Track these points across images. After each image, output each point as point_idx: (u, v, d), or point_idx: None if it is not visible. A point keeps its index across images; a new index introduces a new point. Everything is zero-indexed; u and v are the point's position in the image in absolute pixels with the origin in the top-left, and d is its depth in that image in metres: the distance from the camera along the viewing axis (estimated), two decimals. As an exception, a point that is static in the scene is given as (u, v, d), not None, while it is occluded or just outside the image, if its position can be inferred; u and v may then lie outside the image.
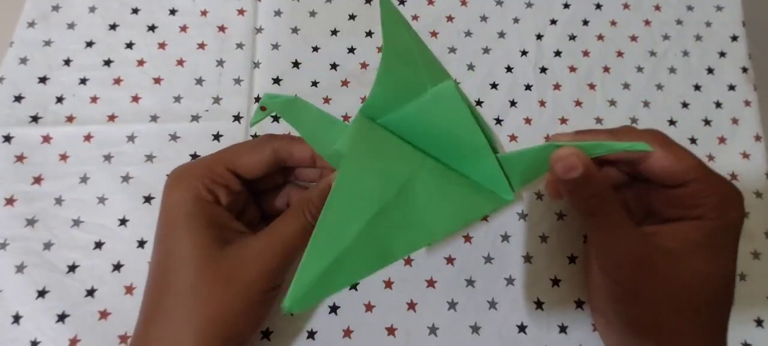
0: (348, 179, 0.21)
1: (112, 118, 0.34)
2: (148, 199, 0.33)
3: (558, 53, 0.39)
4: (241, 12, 0.38)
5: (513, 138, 0.37)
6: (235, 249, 0.26)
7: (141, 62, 0.36)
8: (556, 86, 0.38)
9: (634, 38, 0.41)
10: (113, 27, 0.37)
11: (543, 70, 0.39)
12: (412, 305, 0.32)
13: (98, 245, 0.32)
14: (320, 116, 0.27)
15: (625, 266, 0.26)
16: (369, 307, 0.32)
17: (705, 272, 0.26)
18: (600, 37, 0.40)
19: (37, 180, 0.33)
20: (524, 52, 0.39)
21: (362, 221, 0.20)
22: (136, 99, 0.35)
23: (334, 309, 0.32)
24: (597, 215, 0.26)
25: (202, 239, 0.26)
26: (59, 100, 0.35)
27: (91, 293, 0.31)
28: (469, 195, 0.27)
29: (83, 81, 0.35)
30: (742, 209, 0.27)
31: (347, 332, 0.31)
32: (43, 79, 0.35)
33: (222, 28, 0.38)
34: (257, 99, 0.36)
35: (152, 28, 0.37)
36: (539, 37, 0.40)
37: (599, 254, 0.28)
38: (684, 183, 0.27)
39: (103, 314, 0.30)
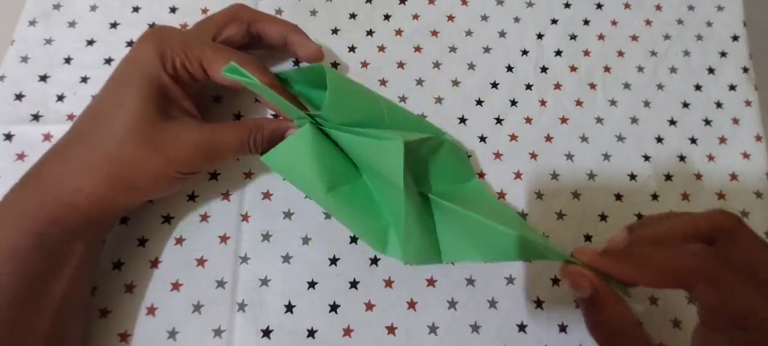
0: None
1: (112, 116, 0.34)
2: (148, 197, 0.33)
3: (559, 53, 0.39)
4: (241, 11, 0.38)
5: (513, 138, 0.37)
6: (175, 126, 0.28)
7: (142, 61, 0.36)
8: (557, 86, 0.38)
9: (634, 38, 0.40)
10: (114, 25, 0.37)
11: (543, 69, 0.39)
12: (412, 304, 0.32)
13: (99, 243, 0.32)
14: (282, 102, 0.29)
15: None
16: (369, 306, 0.32)
17: None
18: (601, 37, 0.40)
19: (38, 178, 0.33)
20: (525, 52, 0.39)
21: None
22: (136, 97, 0.35)
23: (334, 308, 0.32)
24: (611, 343, 0.24)
25: (148, 104, 0.27)
26: (60, 98, 0.35)
27: (91, 291, 0.31)
28: (369, 227, 0.31)
29: (84, 79, 0.35)
30: None
31: (347, 331, 0.31)
32: (43, 78, 0.35)
33: (223, 27, 0.38)
34: (256, 100, 0.36)
35: (153, 26, 0.37)
36: (540, 36, 0.40)
37: None
38: (742, 328, 0.22)
39: (103, 313, 0.30)
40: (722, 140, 0.38)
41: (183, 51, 0.29)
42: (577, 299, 0.25)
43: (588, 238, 0.34)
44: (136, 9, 0.38)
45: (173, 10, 0.38)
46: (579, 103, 0.38)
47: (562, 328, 0.32)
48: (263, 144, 0.31)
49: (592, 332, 0.25)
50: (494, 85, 0.38)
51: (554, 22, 0.40)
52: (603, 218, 0.35)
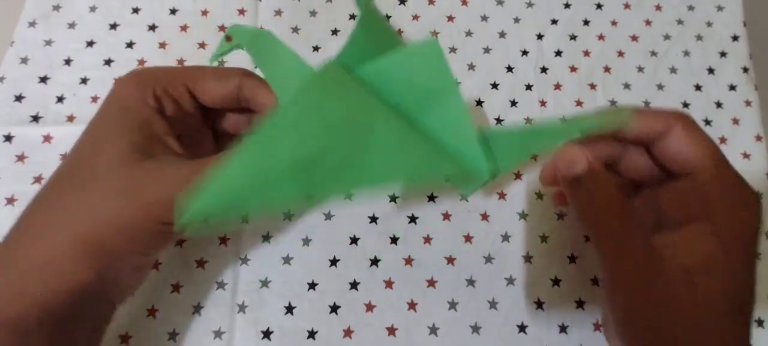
0: (298, 106, 0.20)
1: (112, 117, 0.34)
2: (148, 198, 0.33)
3: (559, 53, 0.39)
4: (241, 12, 0.38)
5: (513, 138, 0.37)
6: (152, 165, 0.23)
7: (141, 62, 0.36)
8: (557, 86, 0.38)
9: (634, 38, 0.40)
10: (114, 26, 0.37)
11: (544, 70, 0.39)
12: (412, 305, 0.32)
13: (99, 244, 0.32)
14: (290, 57, 0.25)
15: (632, 288, 0.24)
16: (369, 307, 0.32)
17: (722, 289, 0.23)
18: (601, 37, 0.40)
19: (38, 180, 0.33)
20: (525, 52, 0.39)
21: (299, 151, 0.20)
22: (136, 99, 0.35)
23: (334, 309, 0.32)
24: (601, 225, 0.24)
25: (122, 141, 0.23)
26: (60, 99, 0.35)
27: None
28: (430, 155, 0.24)
29: (84, 81, 0.35)
30: (758, 212, 0.24)
31: (348, 332, 0.31)
32: (43, 79, 0.35)
33: (223, 28, 0.38)
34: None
35: (153, 27, 0.37)
36: (540, 36, 0.40)
37: (604, 272, 0.25)
38: (696, 172, 0.24)
39: (104, 314, 0.30)
40: (722, 140, 0.38)
41: (164, 77, 0.26)
42: (568, 182, 0.24)
43: (588, 239, 0.34)
44: (135, 10, 0.38)
45: (173, 11, 0.38)
46: (579, 103, 0.38)
47: (563, 328, 0.32)
48: None
49: (585, 209, 0.24)
50: (494, 85, 0.38)
51: (554, 22, 0.40)
52: (603, 218, 0.35)
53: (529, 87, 0.38)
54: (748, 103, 0.39)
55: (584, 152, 0.24)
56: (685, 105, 0.39)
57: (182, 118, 0.27)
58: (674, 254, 0.24)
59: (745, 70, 0.40)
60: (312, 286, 0.32)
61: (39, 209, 0.23)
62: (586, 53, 0.40)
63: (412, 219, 0.34)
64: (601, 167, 0.24)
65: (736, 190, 0.24)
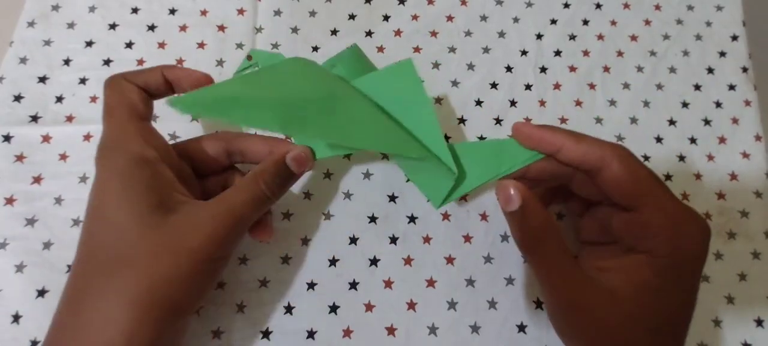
0: (286, 64, 0.29)
1: (111, 117, 0.34)
2: (147, 198, 0.33)
3: (558, 53, 0.39)
4: (241, 12, 0.38)
5: (513, 138, 0.37)
6: (181, 217, 0.24)
7: (141, 62, 0.36)
8: (556, 86, 0.38)
9: (634, 38, 0.40)
10: (113, 26, 0.37)
11: (543, 69, 0.39)
12: (412, 305, 0.32)
13: (98, 244, 0.32)
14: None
15: (560, 309, 0.26)
16: (369, 307, 0.32)
17: (650, 314, 0.24)
18: (600, 37, 0.40)
19: (37, 180, 0.33)
20: (524, 52, 0.39)
21: (279, 91, 0.26)
22: (135, 99, 0.35)
23: (333, 309, 0.32)
24: (536, 253, 0.26)
25: (140, 207, 0.24)
26: (59, 99, 0.35)
27: None
28: (399, 135, 0.29)
29: (83, 81, 0.35)
30: (701, 241, 0.25)
31: (347, 332, 0.31)
32: (42, 79, 0.35)
33: (222, 28, 0.38)
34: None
35: (152, 27, 0.37)
36: (539, 36, 0.40)
37: (541, 294, 0.27)
38: (636, 207, 0.25)
39: (103, 314, 0.30)
40: (722, 140, 0.38)
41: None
42: (506, 215, 0.26)
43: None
44: (135, 10, 0.38)
45: (173, 11, 0.38)
46: (578, 103, 0.38)
47: (562, 328, 0.32)
48: (274, 181, 0.27)
49: (520, 238, 0.26)
50: (494, 85, 0.38)
51: (554, 22, 0.40)
52: (603, 218, 0.35)
53: (528, 87, 0.38)
54: (747, 103, 0.39)
55: (518, 191, 0.24)
56: (685, 105, 0.39)
57: (178, 164, 0.28)
58: (607, 277, 0.25)
59: (745, 69, 0.40)
60: (311, 286, 0.32)
61: (80, 293, 0.23)
62: (586, 53, 0.40)
63: (412, 219, 0.34)
64: (533, 201, 0.25)
65: (679, 222, 0.25)
